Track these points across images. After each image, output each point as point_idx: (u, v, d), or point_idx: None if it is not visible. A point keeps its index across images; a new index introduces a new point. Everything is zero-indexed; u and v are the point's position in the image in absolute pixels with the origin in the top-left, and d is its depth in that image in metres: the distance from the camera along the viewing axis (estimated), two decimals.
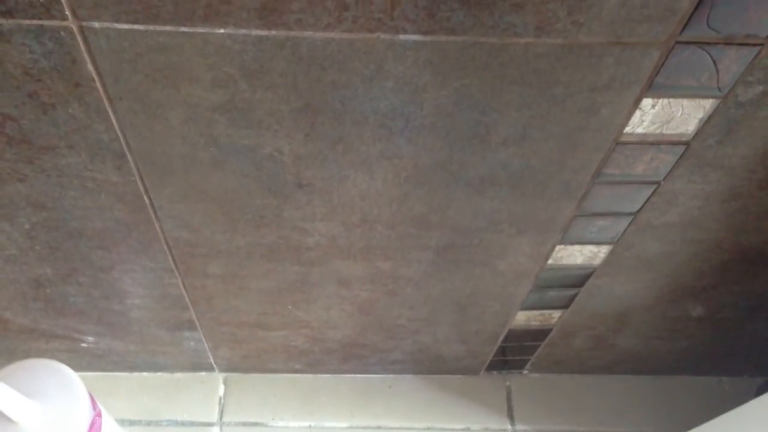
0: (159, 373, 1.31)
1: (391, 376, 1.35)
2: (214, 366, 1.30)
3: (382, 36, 0.60)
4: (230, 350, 1.23)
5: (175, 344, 1.20)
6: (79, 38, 0.59)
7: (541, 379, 1.36)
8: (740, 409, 0.97)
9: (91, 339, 1.16)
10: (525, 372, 1.35)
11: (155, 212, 0.83)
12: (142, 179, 0.77)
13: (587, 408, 1.34)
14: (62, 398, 0.96)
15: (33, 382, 0.96)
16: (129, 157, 0.74)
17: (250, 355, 1.26)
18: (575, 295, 1.04)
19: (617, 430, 1.32)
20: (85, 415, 0.97)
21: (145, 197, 0.80)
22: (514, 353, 1.27)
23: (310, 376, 1.34)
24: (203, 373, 1.32)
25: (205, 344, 1.20)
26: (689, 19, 0.58)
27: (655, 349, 1.25)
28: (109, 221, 0.84)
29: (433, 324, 1.14)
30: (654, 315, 1.11)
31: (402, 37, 0.60)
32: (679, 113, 0.69)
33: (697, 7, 0.57)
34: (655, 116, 0.69)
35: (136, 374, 1.31)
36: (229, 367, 1.31)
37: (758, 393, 1.30)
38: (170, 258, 0.92)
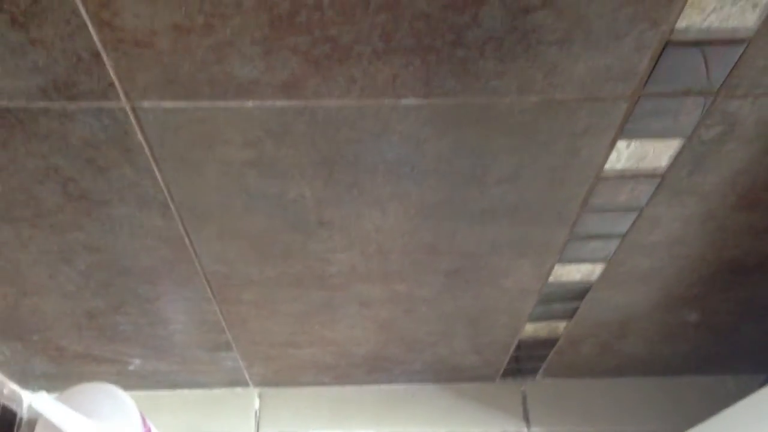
0: (199, 390, 1.43)
1: (413, 385, 1.45)
2: (250, 382, 1.41)
3: (387, 101, 0.70)
4: (264, 367, 1.34)
5: (214, 363, 1.31)
6: (131, 115, 0.70)
7: (554, 383, 1.45)
8: (742, 403, 1.05)
9: (137, 361, 1.28)
10: (538, 378, 1.44)
11: (195, 251, 0.94)
12: (183, 224, 0.88)
13: (599, 409, 1.43)
14: (116, 417, 1.07)
15: (90, 404, 1.07)
16: (172, 206, 0.85)
17: (282, 371, 1.36)
18: (577, 307, 1.14)
19: (627, 429, 1.41)
20: (137, 431, 1.08)
21: (186, 239, 0.91)
22: (526, 361, 1.36)
23: (338, 387, 1.45)
24: (239, 389, 1.43)
25: (241, 362, 1.31)
26: (649, 76, 0.68)
27: (659, 353, 1.34)
28: (154, 260, 0.96)
29: (448, 337, 1.23)
30: (653, 322, 1.20)
31: (403, 101, 0.70)
32: (651, 151, 0.78)
33: (654, 68, 0.67)
34: (630, 155, 0.79)
35: (178, 392, 1.43)
36: (263, 382, 1.42)
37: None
38: (208, 289, 1.03)
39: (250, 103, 0.70)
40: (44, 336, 1.16)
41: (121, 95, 0.68)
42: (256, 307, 1.10)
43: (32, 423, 1.04)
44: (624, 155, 0.79)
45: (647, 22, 0.62)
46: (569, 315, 1.17)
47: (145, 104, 0.69)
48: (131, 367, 1.30)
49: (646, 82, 0.68)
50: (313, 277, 1.01)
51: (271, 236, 0.91)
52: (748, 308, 1.16)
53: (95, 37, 0.61)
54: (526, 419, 1.42)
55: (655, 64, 0.66)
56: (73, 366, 1.28)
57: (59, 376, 1.31)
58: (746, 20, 0.62)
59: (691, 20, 0.62)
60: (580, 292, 1.09)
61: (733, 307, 1.16)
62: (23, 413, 1.36)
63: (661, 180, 0.83)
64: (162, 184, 0.81)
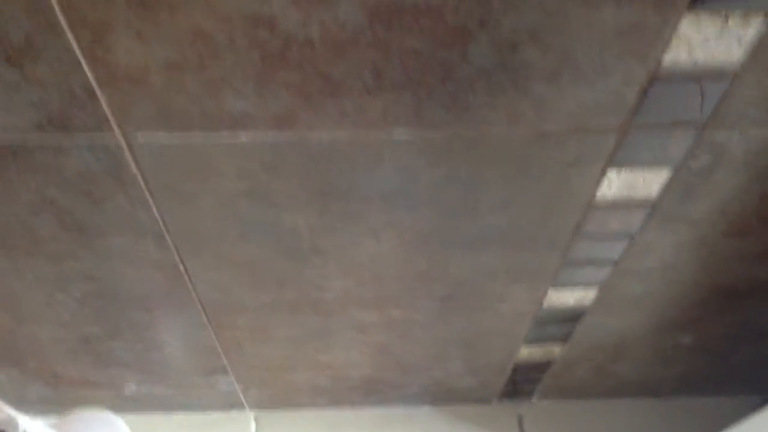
0: (195, 414, 1.42)
1: (410, 408, 1.45)
2: (246, 405, 1.41)
3: (379, 134, 0.71)
4: (259, 390, 1.34)
5: (209, 387, 1.31)
6: (125, 148, 0.71)
7: (550, 405, 1.45)
8: (737, 425, 1.06)
9: (133, 386, 1.28)
10: (534, 399, 1.44)
11: (190, 278, 0.94)
12: (178, 253, 0.88)
13: (594, 431, 1.43)
14: None
15: (85, 430, 1.07)
16: (167, 236, 0.85)
17: (278, 394, 1.36)
18: (572, 331, 1.14)
19: None
20: None
21: (181, 267, 0.91)
22: (522, 383, 1.36)
23: (334, 410, 1.44)
24: (235, 412, 1.43)
25: (237, 386, 1.31)
26: (638, 109, 0.69)
27: (653, 375, 1.34)
28: (150, 287, 0.96)
29: (444, 361, 1.24)
30: (647, 345, 1.20)
31: (395, 134, 0.71)
32: (642, 181, 0.79)
33: (643, 101, 0.68)
34: (621, 184, 0.79)
35: (174, 415, 1.42)
36: (259, 405, 1.42)
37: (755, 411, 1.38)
38: (204, 315, 1.03)
39: (243, 136, 0.70)
40: (40, 362, 1.16)
41: (115, 129, 0.68)
42: (252, 333, 1.10)
43: None
44: (615, 184, 0.79)
45: (634, 58, 0.63)
46: (564, 338, 1.17)
47: (140, 137, 0.70)
48: (127, 392, 1.30)
49: (635, 114, 0.69)
50: (308, 303, 1.02)
51: (265, 264, 0.92)
52: (742, 331, 1.16)
53: (89, 74, 0.62)
54: None
55: (644, 97, 0.67)
56: (68, 391, 1.28)
57: (55, 401, 1.31)
58: (732, 55, 0.63)
59: (678, 56, 0.63)
60: (574, 316, 1.09)
61: (727, 331, 1.16)
62: None
63: (653, 208, 0.84)
64: (157, 214, 0.81)
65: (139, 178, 0.75)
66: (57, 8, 0.55)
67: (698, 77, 0.65)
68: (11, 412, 1.36)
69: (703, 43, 0.62)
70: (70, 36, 0.58)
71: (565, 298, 1.03)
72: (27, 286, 0.95)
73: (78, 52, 0.59)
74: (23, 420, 1.37)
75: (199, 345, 1.13)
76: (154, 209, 0.80)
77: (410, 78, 0.64)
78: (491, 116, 0.69)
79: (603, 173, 0.78)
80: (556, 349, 1.21)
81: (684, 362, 1.28)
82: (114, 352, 1.14)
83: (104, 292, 0.97)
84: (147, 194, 0.78)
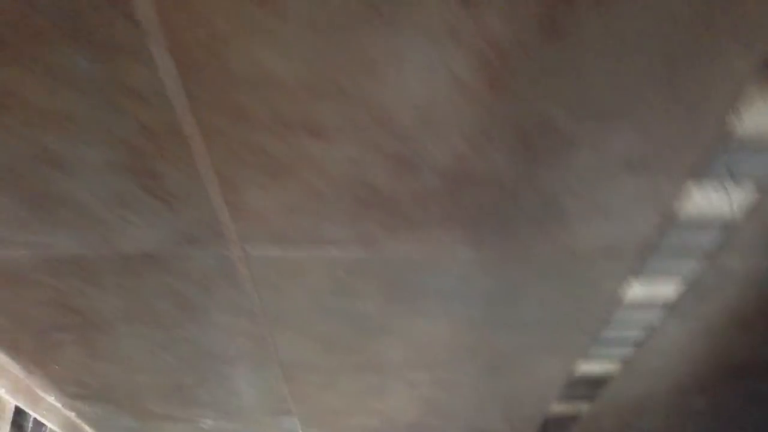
0: None
1: None
2: None
3: (446, 254, 0.88)
4: (318, 429, 1.51)
5: (275, 426, 1.49)
6: (242, 259, 0.89)
7: None
8: None
9: (210, 422, 1.46)
10: None
11: (275, 346, 1.12)
12: (268, 328, 1.06)
13: None
14: None
15: None
16: (262, 317, 1.03)
17: None
18: (598, 393, 1.30)
19: None
20: None
21: (269, 339, 1.09)
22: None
23: None
24: None
25: (299, 425, 1.48)
26: (657, 243, 0.85)
27: (674, 429, 1.49)
28: (240, 351, 1.14)
29: (482, 412, 1.40)
30: (664, 407, 1.36)
31: (458, 253, 0.88)
32: (661, 290, 0.95)
33: (660, 238, 0.84)
34: (643, 291, 0.95)
35: None
36: None
37: None
38: (281, 372, 1.21)
39: (334, 251, 0.88)
40: (135, 401, 1.35)
41: (237, 247, 0.86)
42: (318, 387, 1.27)
43: None
44: (638, 291, 0.95)
45: (653, 211, 0.79)
46: (591, 398, 1.33)
47: (254, 253, 0.88)
48: (203, 427, 1.48)
49: (654, 247, 0.85)
50: (370, 367, 1.19)
51: (339, 338, 1.09)
52: (746, 401, 1.31)
53: (223, 211, 0.80)
54: None
55: (661, 235, 0.83)
56: (153, 423, 1.47)
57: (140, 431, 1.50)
58: (731, 212, 0.79)
59: (687, 208, 0.79)
60: (600, 382, 1.25)
61: (733, 399, 1.31)
62: None
63: (670, 309, 0.99)
64: (257, 300, 0.99)
65: (248, 277, 0.93)
66: (207, 166, 0.74)
67: (704, 226, 0.81)
68: None
69: (706, 201, 0.78)
70: (215, 187, 0.76)
71: (593, 368, 1.19)
72: (139, 347, 1.13)
73: (219, 197, 0.77)
74: None
75: (272, 393, 1.31)
76: (256, 297, 0.98)
77: (474, 219, 0.81)
78: (534, 243, 0.86)
79: (627, 284, 0.94)
80: (584, 407, 1.37)
81: (697, 424, 1.43)
82: (199, 397, 1.33)
83: (201, 353, 1.15)
84: (251, 286, 0.96)
